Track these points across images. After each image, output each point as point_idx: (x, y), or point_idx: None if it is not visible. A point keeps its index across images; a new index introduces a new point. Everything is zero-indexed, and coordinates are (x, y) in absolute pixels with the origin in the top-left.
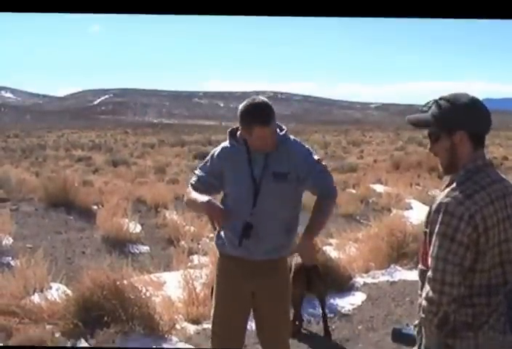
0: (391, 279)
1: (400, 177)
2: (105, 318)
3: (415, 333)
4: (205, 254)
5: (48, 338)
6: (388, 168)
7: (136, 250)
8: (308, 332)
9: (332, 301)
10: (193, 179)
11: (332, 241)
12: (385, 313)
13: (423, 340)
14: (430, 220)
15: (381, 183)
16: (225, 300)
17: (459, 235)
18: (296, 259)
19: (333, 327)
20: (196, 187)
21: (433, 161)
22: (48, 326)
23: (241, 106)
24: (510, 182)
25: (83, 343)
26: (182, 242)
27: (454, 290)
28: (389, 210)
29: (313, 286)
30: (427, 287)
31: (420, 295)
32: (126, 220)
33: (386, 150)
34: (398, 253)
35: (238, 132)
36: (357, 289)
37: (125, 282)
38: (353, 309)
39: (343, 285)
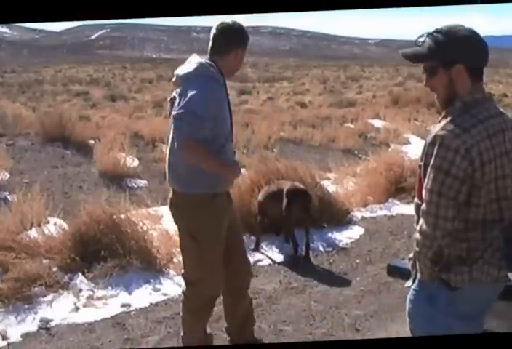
0: (389, 213)
1: (399, 112)
2: (102, 253)
3: (410, 267)
4: None
5: (45, 272)
6: (386, 103)
7: (133, 184)
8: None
9: (329, 235)
10: (201, 134)
11: (330, 175)
12: (382, 247)
13: (418, 274)
14: (425, 153)
15: (379, 118)
16: (220, 241)
17: (454, 168)
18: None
19: (331, 261)
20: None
21: (431, 97)
22: (45, 261)
23: (228, 25)
24: (509, 116)
25: (80, 277)
26: None
27: (447, 224)
28: (387, 145)
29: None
30: (421, 220)
31: (416, 229)
32: (124, 155)
33: (385, 86)
34: (396, 187)
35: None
36: (355, 223)
37: (122, 216)
38: (351, 243)
39: (341, 219)
